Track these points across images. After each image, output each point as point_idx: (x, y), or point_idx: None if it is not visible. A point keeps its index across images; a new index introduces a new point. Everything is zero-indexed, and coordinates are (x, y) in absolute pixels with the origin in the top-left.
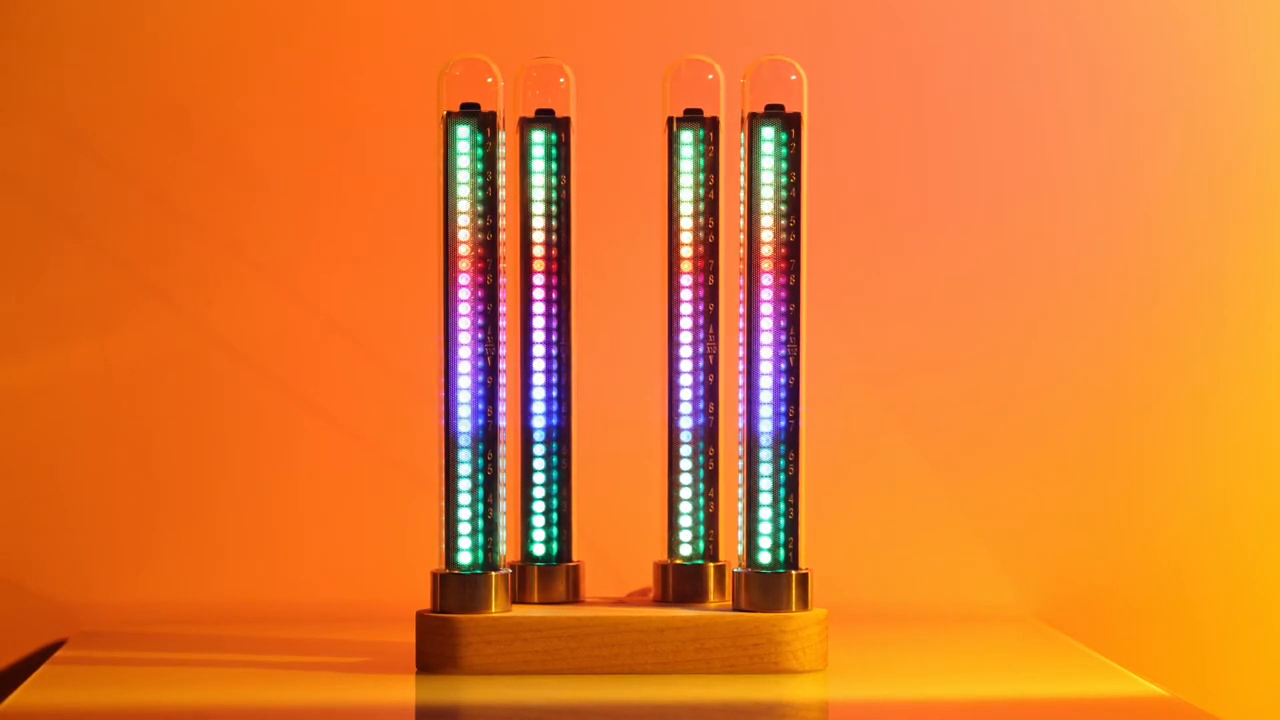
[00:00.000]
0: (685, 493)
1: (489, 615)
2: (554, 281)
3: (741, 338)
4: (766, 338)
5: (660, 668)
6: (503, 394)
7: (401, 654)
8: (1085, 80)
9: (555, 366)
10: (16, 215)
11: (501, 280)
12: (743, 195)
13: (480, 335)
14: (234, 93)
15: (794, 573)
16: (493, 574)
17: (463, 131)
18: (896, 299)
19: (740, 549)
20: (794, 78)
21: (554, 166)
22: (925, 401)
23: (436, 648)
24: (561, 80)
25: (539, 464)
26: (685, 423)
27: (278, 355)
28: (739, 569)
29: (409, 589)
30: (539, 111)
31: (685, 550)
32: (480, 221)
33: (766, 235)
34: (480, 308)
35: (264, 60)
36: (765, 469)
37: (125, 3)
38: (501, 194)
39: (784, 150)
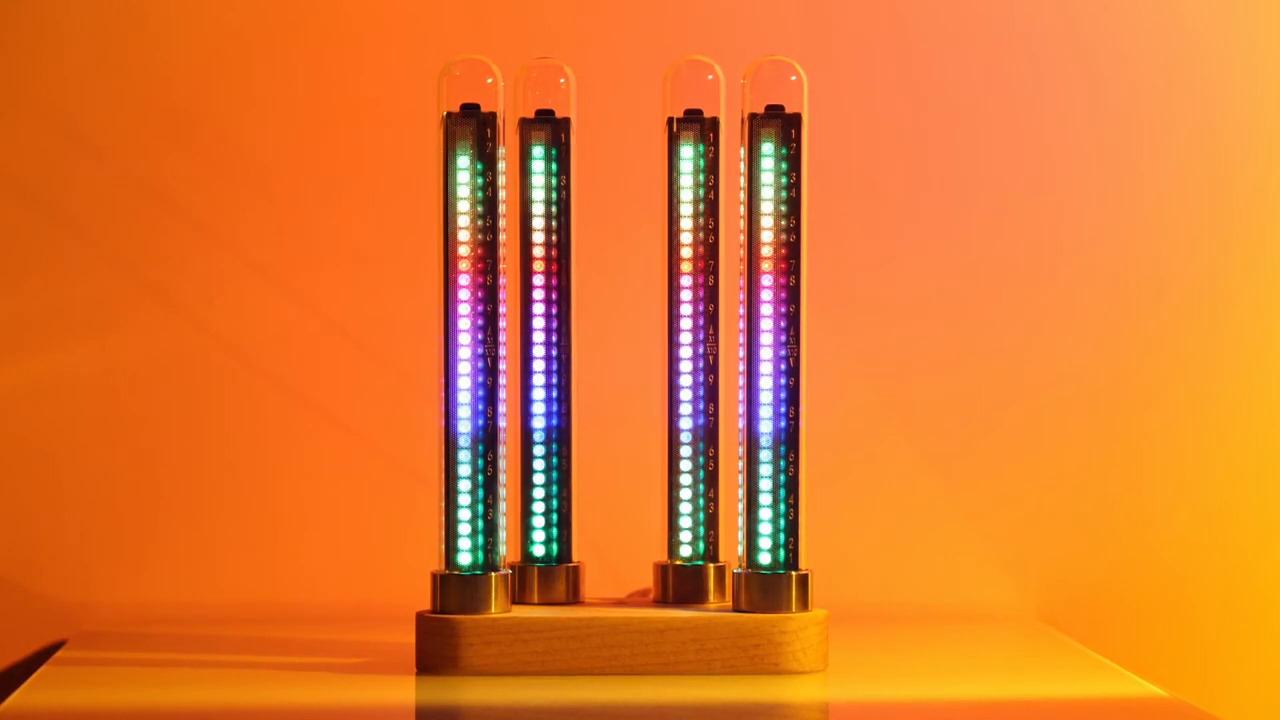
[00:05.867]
0: (685, 493)
1: (489, 616)
2: (554, 282)
3: (741, 338)
4: (766, 338)
5: (661, 668)
6: (503, 394)
7: (401, 654)
8: (1085, 80)
9: (555, 367)
10: (16, 215)
11: (501, 280)
12: (743, 195)
13: (480, 335)
14: (235, 93)
15: (794, 573)
16: (493, 574)
17: (463, 132)
18: (896, 299)
19: (740, 550)
20: (794, 78)
21: (554, 167)
22: (925, 401)
23: (436, 648)
24: (562, 80)
25: (539, 464)
26: (685, 423)
27: (278, 355)
28: (739, 570)
29: (409, 589)
30: (539, 112)
31: (685, 551)
32: (480, 222)
33: (766, 235)
34: (480, 308)
35: (265, 60)
36: (765, 469)
37: (126, 3)
38: (501, 194)
39: (784, 150)
